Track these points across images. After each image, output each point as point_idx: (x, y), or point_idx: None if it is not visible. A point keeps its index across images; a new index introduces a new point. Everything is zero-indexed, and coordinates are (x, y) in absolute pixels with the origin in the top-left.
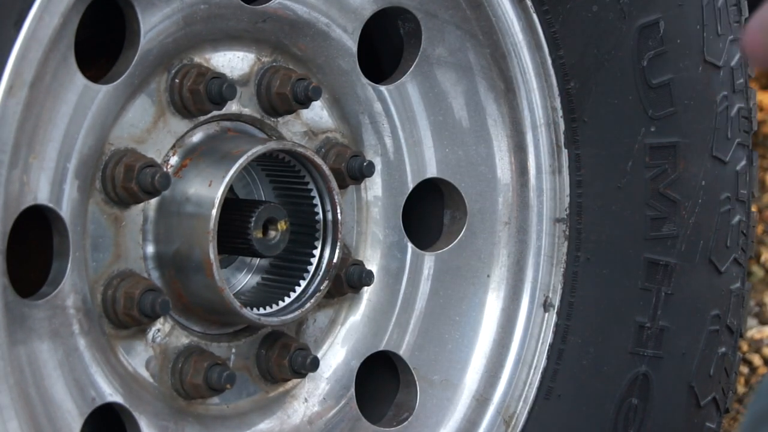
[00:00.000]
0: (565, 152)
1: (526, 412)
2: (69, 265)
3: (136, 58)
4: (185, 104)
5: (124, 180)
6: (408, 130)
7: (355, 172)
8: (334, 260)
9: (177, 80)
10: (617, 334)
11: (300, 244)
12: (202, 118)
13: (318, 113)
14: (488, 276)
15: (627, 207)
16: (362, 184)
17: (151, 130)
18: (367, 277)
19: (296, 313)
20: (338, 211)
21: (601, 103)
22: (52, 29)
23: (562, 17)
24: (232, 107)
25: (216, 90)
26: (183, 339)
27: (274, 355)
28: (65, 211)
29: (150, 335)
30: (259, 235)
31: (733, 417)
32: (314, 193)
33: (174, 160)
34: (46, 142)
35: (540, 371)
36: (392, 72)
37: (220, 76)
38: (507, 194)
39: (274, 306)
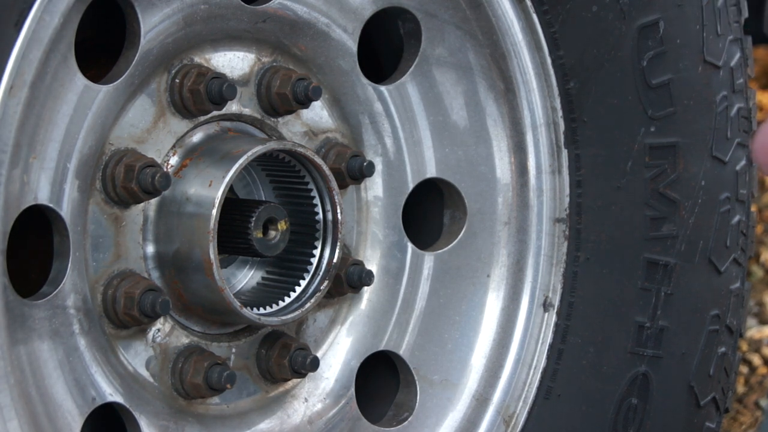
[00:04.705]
0: (565, 152)
1: (525, 412)
2: (69, 265)
3: (136, 58)
4: (185, 104)
5: (124, 180)
6: (408, 130)
7: (355, 172)
8: (334, 260)
9: (177, 80)
10: (617, 334)
11: (300, 244)
12: (202, 118)
13: (318, 113)
14: (488, 276)
15: (627, 207)
16: (362, 184)
17: (152, 130)
18: (367, 277)
19: (296, 312)
20: (338, 211)
21: (601, 103)
22: (52, 29)
23: (562, 17)
24: (232, 107)
25: (216, 90)
26: (183, 339)
27: (274, 354)
28: (65, 211)
29: (150, 335)
30: (259, 235)
31: (732, 417)
32: (314, 193)
33: (174, 160)
34: (46, 142)
35: (540, 371)
36: (392, 72)
37: (220, 76)
38: (507, 194)
39: (274, 306)
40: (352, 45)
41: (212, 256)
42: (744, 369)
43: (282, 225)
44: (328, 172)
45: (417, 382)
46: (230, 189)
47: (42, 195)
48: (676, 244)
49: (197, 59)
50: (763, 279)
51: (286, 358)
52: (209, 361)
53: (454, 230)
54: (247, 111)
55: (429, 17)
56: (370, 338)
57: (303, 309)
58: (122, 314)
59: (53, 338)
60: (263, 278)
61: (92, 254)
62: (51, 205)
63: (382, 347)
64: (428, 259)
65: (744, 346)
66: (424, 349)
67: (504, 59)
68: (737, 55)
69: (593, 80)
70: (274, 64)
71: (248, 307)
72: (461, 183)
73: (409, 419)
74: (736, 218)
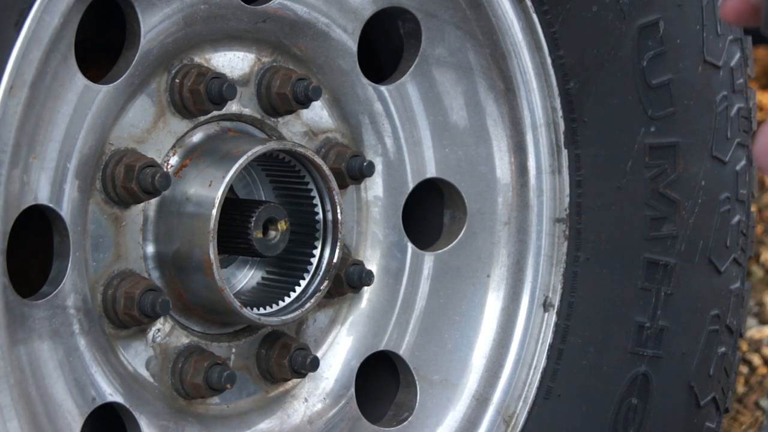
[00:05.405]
0: (565, 152)
1: (525, 412)
2: (69, 265)
3: (136, 58)
4: (185, 104)
5: (124, 180)
6: (408, 130)
7: (355, 172)
8: (334, 260)
9: (177, 80)
10: (617, 334)
11: (300, 244)
12: (202, 118)
13: (318, 113)
14: (488, 276)
15: (627, 207)
16: (362, 184)
17: (152, 130)
18: (367, 277)
19: (296, 312)
20: (338, 211)
21: (601, 103)
22: (52, 29)
23: (562, 17)
24: (233, 107)
25: (216, 90)
26: (183, 339)
27: (275, 354)
28: (65, 211)
29: (150, 335)
30: (259, 235)
31: (732, 417)
32: (314, 193)
33: (174, 160)
34: (46, 142)
35: (540, 371)
36: (392, 72)
37: (220, 76)
38: (507, 194)
39: (274, 306)
40: (352, 45)
41: (212, 256)
42: (744, 369)
43: (282, 225)
44: (328, 172)
45: (417, 382)
46: (230, 189)
47: (42, 195)
48: (676, 244)
49: (197, 59)
50: (763, 279)
51: (286, 358)
52: (209, 361)
53: (454, 230)
54: (247, 111)
55: (429, 17)
56: (370, 338)
57: (303, 309)
58: (122, 314)
59: (53, 338)
60: (263, 278)
61: (92, 254)
62: (51, 205)
63: (382, 347)
64: (428, 259)
65: (744, 346)
66: (424, 349)
67: (504, 59)
68: (737, 55)
69: (593, 80)
70: (274, 64)
71: (248, 307)
72: (461, 183)
73: (409, 419)
74: (736, 218)
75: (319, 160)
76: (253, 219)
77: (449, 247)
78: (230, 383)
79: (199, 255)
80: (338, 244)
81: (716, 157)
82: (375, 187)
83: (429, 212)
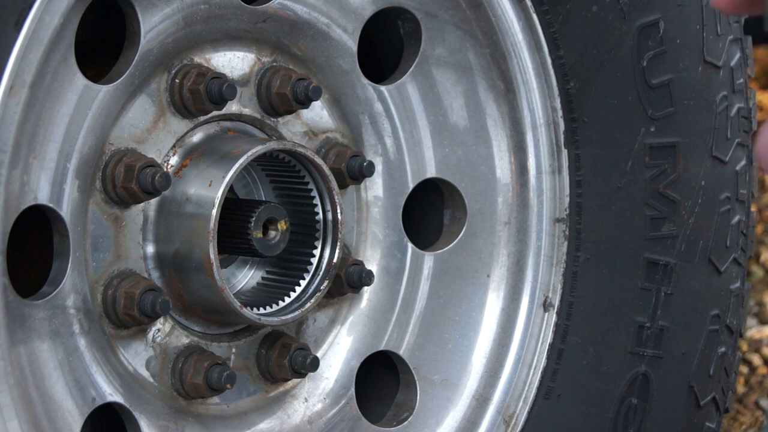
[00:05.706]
0: (565, 152)
1: (526, 411)
2: (69, 265)
3: (136, 58)
4: (185, 104)
5: (124, 180)
6: (408, 130)
7: (355, 172)
8: (334, 260)
9: (177, 80)
10: (617, 334)
11: (300, 244)
12: (202, 118)
13: (318, 113)
14: (488, 276)
15: (627, 207)
16: (362, 184)
17: (152, 130)
18: (367, 277)
19: (296, 312)
20: (338, 211)
21: (601, 103)
22: (52, 29)
23: (562, 17)
24: (233, 107)
25: (216, 90)
26: (183, 339)
27: (274, 354)
28: (65, 211)
29: (150, 335)
30: (259, 235)
31: (732, 417)
32: (314, 193)
33: (174, 160)
34: (46, 142)
35: (540, 371)
36: (392, 72)
37: (220, 76)
38: (507, 194)
39: (274, 306)
40: (352, 45)
41: (212, 256)
42: (744, 369)
43: (282, 225)
44: (328, 172)
45: (417, 382)
46: (230, 189)
47: (42, 195)
48: (676, 244)
49: (197, 59)
50: (763, 279)
51: (286, 358)
52: (209, 361)
53: (454, 230)
54: (247, 111)
55: (429, 17)
56: (370, 338)
57: (303, 309)
58: (122, 314)
59: (53, 338)
60: (263, 278)
61: (92, 254)
62: (51, 205)
63: (382, 347)
64: (428, 259)
65: (744, 346)
66: (424, 349)
67: (504, 59)
68: (737, 55)
69: (593, 80)
70: (274, 64)
71: (248, 307)
72: (461, 183)
73: (409, 419)
74: (736, 218)
75: (319, 160)
76: (253, 219)
77: (449, 247)
78: (230, 383)
79: (199, 255)
80: (338, 244)
81: (716, 157)
82: (375, 187)
83: (429, 212)
